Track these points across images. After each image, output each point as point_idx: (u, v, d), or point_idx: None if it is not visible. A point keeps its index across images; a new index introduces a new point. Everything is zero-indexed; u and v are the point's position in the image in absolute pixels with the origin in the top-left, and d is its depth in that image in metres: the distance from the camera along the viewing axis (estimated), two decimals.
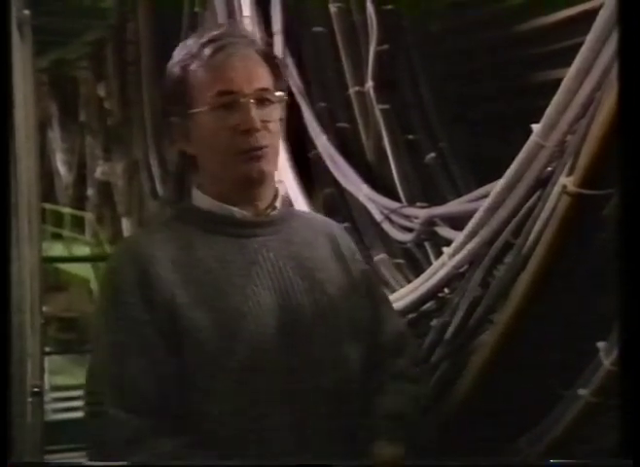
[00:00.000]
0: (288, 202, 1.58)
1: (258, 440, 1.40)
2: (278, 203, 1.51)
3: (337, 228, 1.66)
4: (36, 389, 2.59)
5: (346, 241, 1.61)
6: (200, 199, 1.49)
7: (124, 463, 1.38)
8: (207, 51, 1.42)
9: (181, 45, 1.49)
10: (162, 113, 1.54)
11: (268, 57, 1.47)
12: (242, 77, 1.41)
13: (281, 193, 1.54)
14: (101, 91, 6.97)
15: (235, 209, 1.46)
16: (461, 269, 1.88)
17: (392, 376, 1.55)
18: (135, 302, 1.38)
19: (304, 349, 1.43)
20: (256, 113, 1.40)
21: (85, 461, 1.46)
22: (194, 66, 1.43)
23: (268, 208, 1.49)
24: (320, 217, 1.70)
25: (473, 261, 1.83)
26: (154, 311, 1.38)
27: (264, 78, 1.44)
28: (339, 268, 1.54)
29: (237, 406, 1.39)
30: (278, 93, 1.46)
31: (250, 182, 1.44)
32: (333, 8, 2.66)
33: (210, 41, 1.43)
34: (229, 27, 1.48)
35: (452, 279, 1.92)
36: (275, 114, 1.45)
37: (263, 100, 1.42)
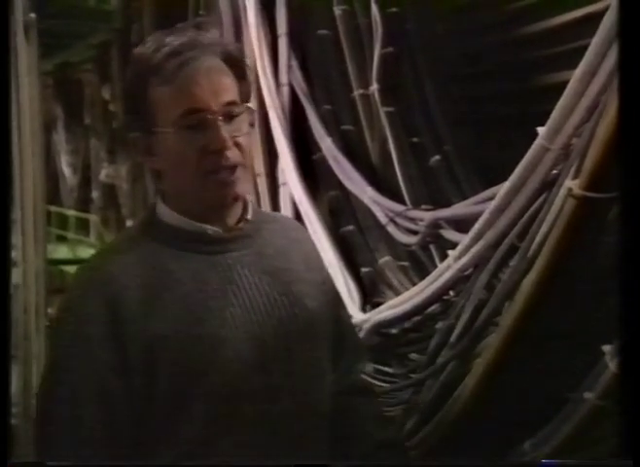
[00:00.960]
0: (256, 209, 1.48)
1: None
2: (249, 215, 1.42)
3: (305, 233, 1.59)
4: None
5: (314, 251, 1.54)
6: (168, 215, 1.39)
7: (122, 464, 1.38)
8: (170, 66, 1.31)
9: (139, 50, 1.36)
10: (122, 126, 1.47)
11: (233, 62, 1.38)
12: (208, 93, 1.31)
13: (249, 201, 1.45)
14: (106, 94, 6.98)
15: (207, 226, 1.37)
16: (466, 272, 1.88)
17: (349, 392, 1.51)
18: (99, 338, 1.29)
19: (286, 368, 1.36)
20: (225, 130, 1.31)
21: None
22: (155, 81, 1.32)
23: (240, 222, 1.41)
24: (289, 221, 1.63)
25: (478, 264, 1.83)
26: (120, 349, 1.29)
27: (230, 90, 1.34)
28: (311, 279, 1.46)
29: (213, 433, 1.32)
30: (247, 105, 1.37)
31: (221, 206, 1.37)
32: (337, 11, 2.67)
33: (171, 54, 1.32)
34: (189, 34, 1.35)
35: (457, 282, 1.92)
36: (244, 126, 1.36)
37: (230, 116, 1.33)
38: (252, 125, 1.40)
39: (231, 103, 1.33)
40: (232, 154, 1.32)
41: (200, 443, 1.32)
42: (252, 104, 1.43)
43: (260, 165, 2.85)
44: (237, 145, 1.33)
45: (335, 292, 1.57)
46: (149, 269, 1.33)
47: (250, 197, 1.47)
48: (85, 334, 1.29)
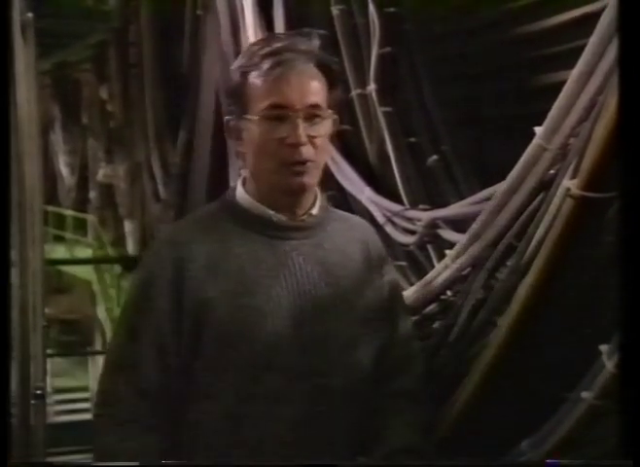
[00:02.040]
0: (325, 206, 1.63)
1: (262, 437, 1.46)
2: (315, 210, 1.56)
3: (371, 234, 1.69)
4: (38, 391, 2.59)
5: (378, 249, 1.66)
6: (242, 197, 1.55)
7: (128, 463, 1.40)
8: (267, 63, 1.47)
9: (246, 49, 1.56)
10: (225, 110, 1.62)
11: (327, 70, 1.51)
12: (295, 92, 1.46)
13: (321, 200, 1.59)
14: (104, 94, 6.98)
15: (272, 213, 1.52)
16: (464, 272, 1.88)
17: (394, 394, 1.60)
18: (162, 291, 1.47)
19: (319, 350, 1.48)
20: (303, 128, 1.45)
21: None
22: (252, 75, 1.48)
23: (304, 214, 1.55)
24: (358, 221, 1.74)
25: (476, 263, 1.83)
26: (178, 303, 1.46)
27: (317, 94, 1.48)
28: (366, 276, 1.58)
29: (240, 401, 1.45)
30: (329, 111, 1.51)
31: (290, 192, 1.51)
32: (335, 10, 2.66)
33: (271, 54, 1.47)
34: (292, 39, 1.52)
35: (455, 282, 1.92)
36: (323, 130, 1.50)
37: (312, 116, 1.47)
38: (332, 131, 1.54)
39: (316, 106, 1.48)
40: (307, 150, 1.47)
41: (233, 404, 1.45)
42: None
43: None
44: (313, 144, 1.48)
45: (396, 296, 1.67)
46: (214, 241, 1.50)
47: (322, 196, 1.63)
48: (152, 285, 1.48)
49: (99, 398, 1.51)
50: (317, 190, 1.58)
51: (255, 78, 1.48)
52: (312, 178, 1.51)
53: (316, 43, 1.53)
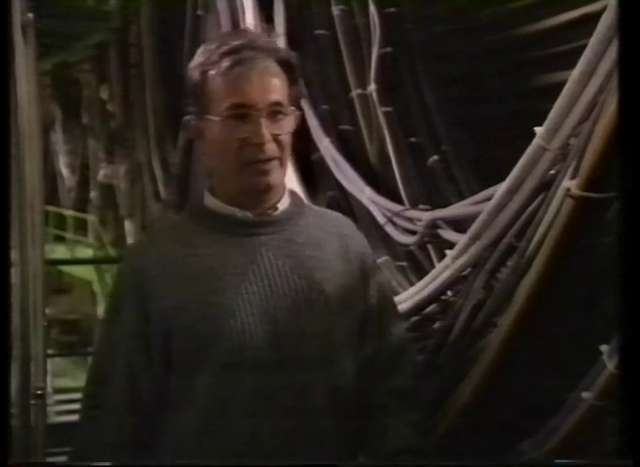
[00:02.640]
0: (300, 201, 1.61)
1: (238, 435, 1.44)
2: (281, 204, 1.54)
3: (350, 228, 1.66)
4: (39, 392, 2.59)
5: (357, 243, 1.62)
6: (210, 201, 1.54)
7: (125, 463, 1.40)
8: (226, 62, 1.45)
9: (203, 46, 1.51)
10: (184, 110, 1.58)
11: (287, 66, 1.50)
12: (257, 91, 1.44)
13: (287, 194, 1.57)
14: (104, 94, 6.98)
15: (237, 210, 1.51)
16: (464, 272, 1.88)
17: (388, 393, 1.58)
18: (129, 305, 1.47)
19: (295, 346, 1.46)
20: (267, 127, 1.44)
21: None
22: (212, 74, 1.46)
23: (270, 209, 1.53)
24: (335, 215, 1.71)
25: (476, 264, 1.83)
26: (144, 316, 1.46)
27: (278, 91, 1.47)
28: (345, 270, 1.55)
29: (218, 401, 1.44)
30: (291, 108, 1.50)
31: (256, 192, 1.50)
32: (335, 10, 2.66)
33: (230, 52, 1.45)
34: (250, 36, 1.50)
35: (456, 282, 1.92)
36: (286, 126, 1.48)
37: (275, 114, 1.46)
38: (296, 126, 1.53)
39: (278, 104, 1.46)
40: (270, 148, 1.45)
41: (208, 412, 1.44)
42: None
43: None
44: (277, 141, 1.46)
45: (379, 285, 1.63)
46: (178, 246, 1.49)
47: (293, 192, 1.62)
48: (119, 301, 1.49)
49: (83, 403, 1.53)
50: (285, 185, 1.56)
51: (214, 77, 1.46)
52: (277, 176, 1.49)
53: (275, 38, 1.53)
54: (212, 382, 1.44)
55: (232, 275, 1.46)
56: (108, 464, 1.43)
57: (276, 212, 1.53)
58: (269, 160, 1.46)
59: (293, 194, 1.60)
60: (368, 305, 1.57)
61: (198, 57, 1.50)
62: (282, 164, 1.50)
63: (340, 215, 1.73)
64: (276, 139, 1.46)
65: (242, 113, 1.44)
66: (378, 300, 1.60)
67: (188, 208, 1.60)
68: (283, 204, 1.54)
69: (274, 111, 1.46)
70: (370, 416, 1.55)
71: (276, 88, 1.47)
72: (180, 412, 1.46)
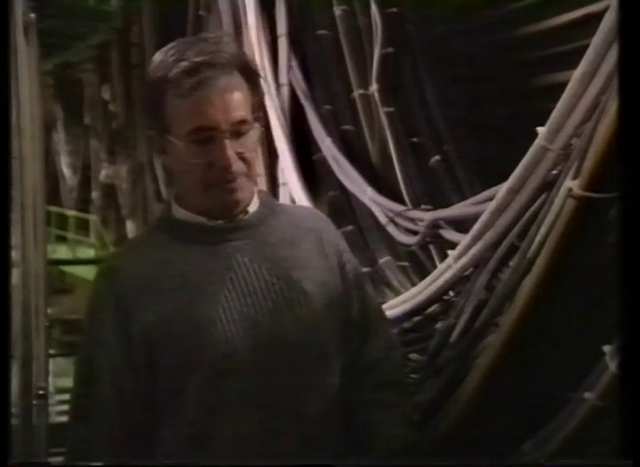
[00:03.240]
0: (269, 201, 1.57)
1: (227, 441, 1.42)
2: (251, 207, 1.51)
3: (323, 222, 1.62)
4: (41, 392, 2.59)
5: (332, 238, 1.59)
6: (176, 210, 1.51)
7: (124, 463, 1.40)
8: (187, 83, 1.38)
9: (161, 55, 1.43)
10: (141, 122, 1.54)
11: (249, 75, 1.45)
12: (220, 112, 1.39)
13: (256, 195, 1.53)
14: (106, 94, 6.98)
15: (206, 219, 1.47)
16: (466, 272, 1.88)
17: (377, 385, 1.55)
18: (108, 325, 1.44)
19: (280, 348, 1.44)
20: (231, 148, 1.40)
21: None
22: (171, 93, 1.40)
23: (240, 214, 1.49)
24: (307, 211, 1.69)
25: (478, 264, 1.83)
26: (125, 335, 1.43)
27: (242, 108, 1.42)
28: (323, 265, 1.53)
29: (207, 409, 1.41)
30: (255, 123, 1.45)
31: (225, 209, 1.47)
32: (337, 11, 2.67)
33: (190, 72, 1.38)
34: (211, 48, 1.41)
35: (457, 282, 1.92)
36: (251, 142, 1.44)
37: (239, 133, 1.41)
38: (259, 140, 1.49)
39: (242, 121, 1.42)
40: (237, 168, 1.42)
41: (198, 422, 1.42)
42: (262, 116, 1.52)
43: (260, 166, 2.85)
44: (243, 159, 1.42)
45: (358, 274, 1.61)
46: (152, 261, 1.46)
47: (263, 193, 1.58)
48: (98, 322, 1.45)
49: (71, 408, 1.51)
50: (254, 189, 1.52)
51: (174, 98, 1.40)
52: (246, 191, 1.46)
53: (235, 46, 1.46)
54: (200, 392, 1.41)
55: (210, 285, 1.44)
56: (108, 464, 1.43)
57: (247, 216, 1.50)
58: (236, 178, 1.42)
59: (262, 193, 1.56)
60: (349, 300, 1.55)
61: (157, 69, 1.43)
62: (250, 178, 1.46)
63: (313, 209, 1.70)
64: (242, 157, 1.42)
65: (206, 136, 1.39)
66: (359, 293, 1.58)
67: (156, 221, 1.55)
68: (253, 207, 1.51)
69: (238, 130, 1.41)
70: (358, 413, 1.53)
71: (239, 104, 1.41)
72: (168, 425, 1.44)
